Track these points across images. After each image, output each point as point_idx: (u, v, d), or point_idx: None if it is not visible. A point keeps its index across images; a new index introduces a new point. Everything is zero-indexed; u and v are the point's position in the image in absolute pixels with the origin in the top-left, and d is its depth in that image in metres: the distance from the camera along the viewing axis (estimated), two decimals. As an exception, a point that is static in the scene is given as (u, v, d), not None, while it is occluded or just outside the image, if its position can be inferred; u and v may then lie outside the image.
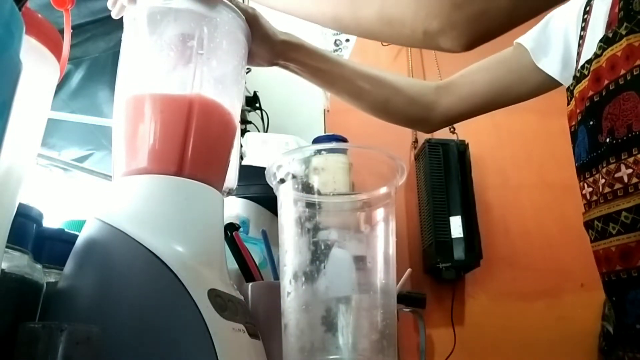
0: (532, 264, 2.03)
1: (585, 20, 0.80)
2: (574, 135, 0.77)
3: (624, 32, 0.66)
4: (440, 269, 1.88)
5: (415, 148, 2.16)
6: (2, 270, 0.41)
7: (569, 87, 0.80)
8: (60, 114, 1.19)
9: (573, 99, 0.78)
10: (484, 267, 1.94)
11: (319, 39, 1.84)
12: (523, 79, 0.86)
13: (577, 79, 0.76)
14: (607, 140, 0.67)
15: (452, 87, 0.89)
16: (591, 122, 0.71)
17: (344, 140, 1.10)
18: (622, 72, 0.66)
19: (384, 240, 0.51)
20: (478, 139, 2.10)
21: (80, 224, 0.54)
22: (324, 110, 1.93)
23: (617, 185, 0.67)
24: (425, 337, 1.83)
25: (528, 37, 0.87)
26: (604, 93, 0.69)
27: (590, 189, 0.74)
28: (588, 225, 0.75)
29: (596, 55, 0.71)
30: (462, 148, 2.04)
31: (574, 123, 0.78)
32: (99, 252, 0.51)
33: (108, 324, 0.44)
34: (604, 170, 0.68)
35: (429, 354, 1.89)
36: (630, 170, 0.64)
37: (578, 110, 0.76)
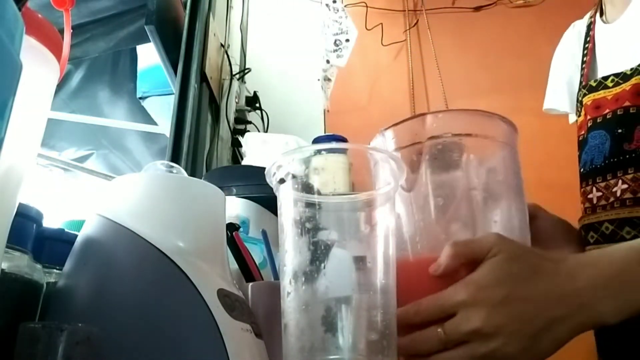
0: (532, 264, 2.03)
1: (588, 42, 0.86)
2: (582, 143, 0.79)
3: None
4: (440, 269, 1.88)
5: (415, 148, 2.16)
6: (2, 270, 0.41)
7: (578, 98, 0.83)
8: (60, 114, 1.19)
9: (583, 108, 0.80)
10: (483, 267, 1.94)
11: (319, 38, 1.84)
12: None
13: (592, 89, 0.79)
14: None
15: None
16: (619, 130, 0.73)
17: (344, 140, 1.10)
18: None
19: (384, 240, 0.51)
20: (478, 139, 2.09)
21: (80, 224, 0.54)
22: (324, 110, 1.93)
23: None
24: (425, 337, 1.82)
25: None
26: None
27: (600, 194, 0.75)
28: (590, 227, 0.75)
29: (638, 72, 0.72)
30: (462, 148, 2.03)
31: (582, 132, 0.79)
32: (102, 249, 0.49)
33: (112, 323, 0.44)
34: (630, 176, 0.70)
35: (428, 354, 1.89)
36: None
37: (588, 117, 0.77)
